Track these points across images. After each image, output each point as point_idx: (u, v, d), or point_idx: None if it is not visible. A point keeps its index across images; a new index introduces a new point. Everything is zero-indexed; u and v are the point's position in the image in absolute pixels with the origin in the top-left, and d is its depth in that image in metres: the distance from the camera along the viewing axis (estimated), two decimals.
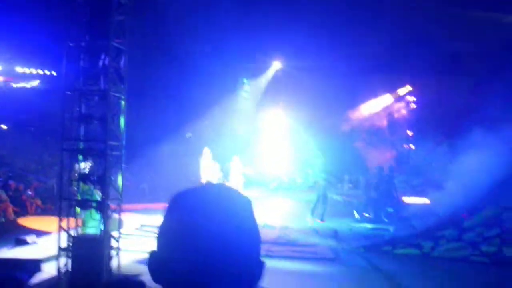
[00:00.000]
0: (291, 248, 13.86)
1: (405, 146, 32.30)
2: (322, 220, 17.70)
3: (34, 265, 10.36)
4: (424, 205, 20.10)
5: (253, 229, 1.30)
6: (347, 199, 22.23)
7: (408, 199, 20.66)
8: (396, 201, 18.17)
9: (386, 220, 17.35)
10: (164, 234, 1.29)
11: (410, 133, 32.72)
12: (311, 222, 17.52)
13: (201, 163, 19.42)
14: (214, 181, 17.52)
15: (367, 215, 18.21)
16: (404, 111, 32.77)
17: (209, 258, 1.22)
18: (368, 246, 14.23)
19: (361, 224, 17.29)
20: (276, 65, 29.75)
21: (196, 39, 22.32)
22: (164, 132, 24.39)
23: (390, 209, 17.53)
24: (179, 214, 1.27)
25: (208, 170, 18.95)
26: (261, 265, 1.32)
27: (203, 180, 18.15)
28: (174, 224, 1.28)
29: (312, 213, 18.00)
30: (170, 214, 1.30)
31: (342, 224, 17.47)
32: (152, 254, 1.31)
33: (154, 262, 1.29)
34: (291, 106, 29.96)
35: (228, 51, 23.73)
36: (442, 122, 28.45)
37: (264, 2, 20.94)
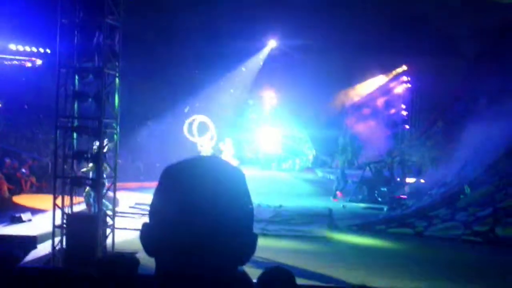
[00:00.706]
0: (285, 227, 13.93)
1: (400, 126, 32.41)
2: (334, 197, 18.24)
3: (29, 242, 10.37)
4: (418, 184, 20.22)
5: (246, 201, 1.29)
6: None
7: (402, 179, 20.78)
8: (390, 181, 18.25)
9: (380, 199, 17.44)
10: (156, 206, 1.29)
11: (404, 113, 32.78)
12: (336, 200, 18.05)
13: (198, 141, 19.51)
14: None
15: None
16: (399, 91, 32.80)
17: (201, 230, 1.21)
18: (361, 225, 14.31)
19: (355, 204, 17.39)
20: (271, 44, 29.58)
21: (192, 15, 22.17)
22: (160, 110, 24.31)
23: (383, 189, 17.61)
24: (171, 185, 1.27)
25: (204, 148, 18.98)
26: (254, 237, 1.32)
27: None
28: (166, 196, 1.27)
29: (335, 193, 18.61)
30: (162, 186, 1.29)
31: (336, 203, 17.59)
32: (144, 226, 1.30)
33: (146, 234, 1.29)
34: (285, 86, 29.92)
35: (225, 28, 23.59)
36: (437, 101, 28.51)
37: None
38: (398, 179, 19.67)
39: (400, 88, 32.76)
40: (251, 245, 1.31)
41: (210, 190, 1.24)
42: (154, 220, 1.29)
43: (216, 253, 1.23)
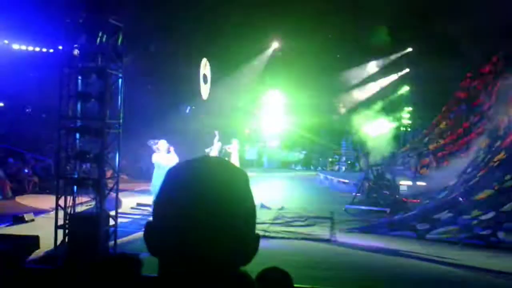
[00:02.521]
0: (287, 229, 13.92)
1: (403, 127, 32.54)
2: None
3: (32, 242, 10.39)
4: (421, 187, 20.18)
5: (249, 202, 1.30)
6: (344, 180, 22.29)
7: (404, 182, 20.73)
8: (393, 184, 18.23)
9: (381, 202, 17.41)
10: (160, 206, 1.29)
11: (407, 115, 32.83)
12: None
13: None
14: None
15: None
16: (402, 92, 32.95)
17: (204, 230, 1.21)
18: (363, 228, 14.30)
19: (356, 206, 17.36)
20: (274, 45, 29.67)
21: (195, 14, 22.20)
22: (163, 110, 24.33)
23: (385, 192, 17.59)
24: (175, 185, 1.27)
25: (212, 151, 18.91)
26: (256, 238, 1.33)
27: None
28: (169, 196, 1.28)
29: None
30: (166, 185, 1.30)
31: (338, 206, 17.56)
32: (148, 225, 1.31)
33: (150, 233, 1.30)
34: (288, 87, 30.03)
35: (227, 29, 23.61)
36: (440, 103, 28.58)
37: None
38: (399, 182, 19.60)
39: (403, 90, 32.90)
40: (253, 246, 1.31)
41: (213, 191, 1.24)
42: (157, 219, 1.29)
43: (218, 254, 1.23)
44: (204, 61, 23.48)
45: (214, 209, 1.22)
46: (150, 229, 1.30)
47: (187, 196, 1.24)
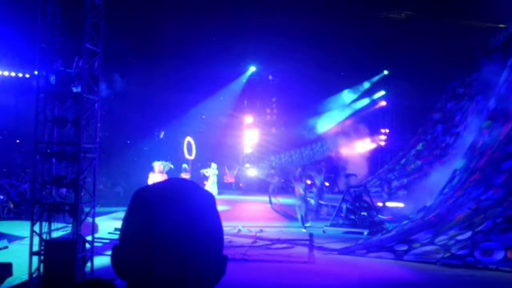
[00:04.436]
0: (266, 251, 13.88)
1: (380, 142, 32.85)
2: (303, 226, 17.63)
3: (5, 269, 10.19)
4: (398, 208, 20.34)
5: (215, 224, 1.30)
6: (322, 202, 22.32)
7: (382, 203, 20.88)
8: (370, 205, 18.31)
9: (360, 223, 17.46)
10: (126, 229, 1.29)
11: (383, 137, 33.13)
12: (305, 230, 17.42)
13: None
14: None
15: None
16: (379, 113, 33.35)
17: (170, 254, 1.21)
18: (342, 250, 14.30)
19: (335, 228, 17.38)
20: (251, 70, 29.89)
21: (171, 40, 22.28)
22: (139, 135, 24.27)
23: (364, 213, 17.65)
24: (140, 208, 1.27)
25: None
26: (223, 260, 1.33)
27: None
28: (135, 219, 1.27)
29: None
30: (131, 209, 1.30)
31: (316, 228, 17.57)
32: (115, 249, 1.30)
33: (117, 257, 1.29)
34: (263, 112, 30.39)
35: (202, 55, 23.75)
36: (413, 121, 29.02)
37: (240, 8, 21.04)
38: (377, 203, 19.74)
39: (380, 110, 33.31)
40: (220, 268, 1.31)
41: (179, 213, 1.24)
42: (124, 243, 1.29)
43: (185, 276, 1.23)
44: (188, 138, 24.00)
45: (179, 233, 1.22)
46: (117, 253, 1.30)
47: (152, 220, 1.24)
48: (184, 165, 22.96)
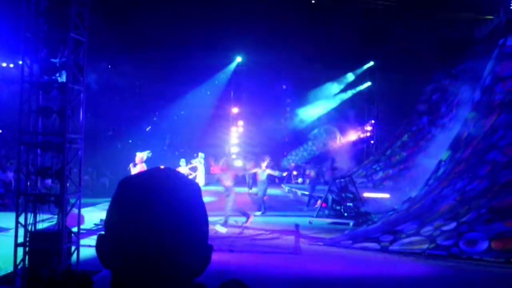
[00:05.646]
0: (252, 242, 13.91)
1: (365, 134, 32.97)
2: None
3: None
4: (384, 199, 20.45)
5: (200, 214, 1.30)
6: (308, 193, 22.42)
7: (368, 194, 20.98)
8: (356, 196, 18.39)
9: (346, 214, 17.54)
10: (110, 218, 1.29)
11: (370, 123, 33.24)
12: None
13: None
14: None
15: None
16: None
17: (155, 242, 1.21)
18: (327, 240, 14.37)
19: (321, 219, 17.44)
20: (238, 60, 29.83)
21: (158, 30, 22.18)
22: (125, 126, 24.15)
23: (349, 204, 17.73)
24: (125, 197, 1.27)
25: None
26: (208, 249, 1.33)
27: None
28: (120, 208, 1.27)
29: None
30: (116, 197, 1.29)
31: (302, 218, 17.63)
32: (100, 237, 1.30)
33: (102, 246, 1.29)
34: (248, 103, 30.35)
35: (190, 44, 23.64)
36: (399, 112, 29.15)
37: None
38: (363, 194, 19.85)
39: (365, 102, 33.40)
40: (206, 257, 1.31)
41: (163, 202, 1.24)
42: (108, 231, 1.28)
43: (170, 265, 1.23)
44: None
45: (164, 222, 1.22)
46: (101, 241, 1.29)
47: (137, 209, 1.23)
48: (182, 160, 22.72)
